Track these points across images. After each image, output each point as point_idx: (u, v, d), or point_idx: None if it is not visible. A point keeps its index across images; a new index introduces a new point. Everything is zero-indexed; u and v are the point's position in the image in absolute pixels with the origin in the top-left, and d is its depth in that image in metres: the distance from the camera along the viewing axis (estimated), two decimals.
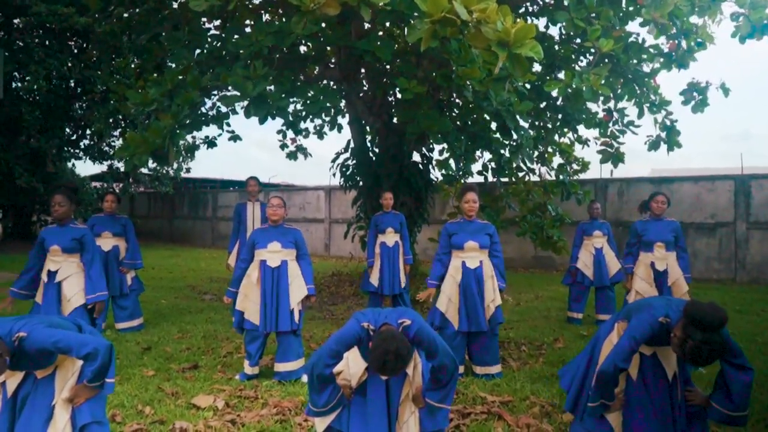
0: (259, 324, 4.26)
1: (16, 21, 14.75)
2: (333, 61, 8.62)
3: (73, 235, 4.43)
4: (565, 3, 6.49)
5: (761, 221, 10.23)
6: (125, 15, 7.87)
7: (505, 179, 9.37)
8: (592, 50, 6.05)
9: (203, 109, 7.84)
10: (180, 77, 5.98)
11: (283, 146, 11.29)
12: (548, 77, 8.19)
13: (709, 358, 2.18)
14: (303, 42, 7.62)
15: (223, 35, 6.94)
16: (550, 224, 9.43)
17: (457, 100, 8.75)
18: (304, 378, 4.22)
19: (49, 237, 4.42)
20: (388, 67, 8.39)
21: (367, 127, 9.29)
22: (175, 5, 7.39)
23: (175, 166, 20.13)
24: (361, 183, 9.26)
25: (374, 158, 9.14)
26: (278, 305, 4.25)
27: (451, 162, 8.96)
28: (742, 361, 2.37)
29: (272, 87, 6.41)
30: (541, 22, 8.44)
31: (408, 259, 6.56)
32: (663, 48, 6.90)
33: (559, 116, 8.75)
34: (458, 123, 8.26)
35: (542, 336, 5.86)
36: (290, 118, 9.52)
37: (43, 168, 15.55)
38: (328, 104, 8.40)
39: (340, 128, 10.89)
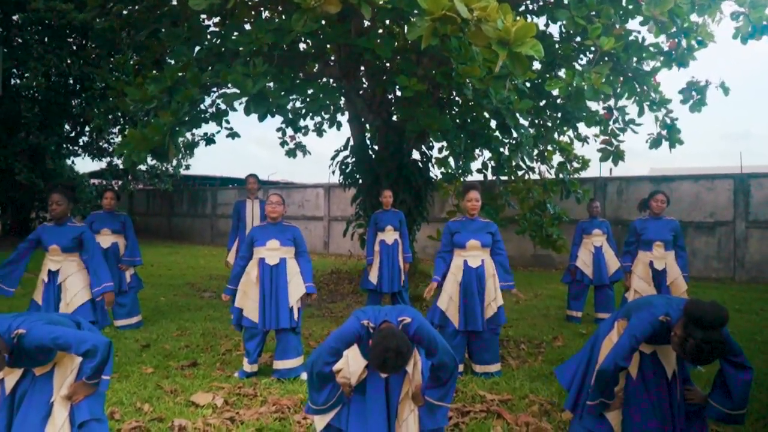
0: (258, 322, 4.26)
1: (14, 17, 14.72)
2: (333, 58, 8.60)
3: (73, 234, 4.37)
4: (566, 1, 6.48)
5: (760, 220, 10.24)
6: (124, 12, 7.85)
7: (505, 177, 9.37)
8: (593, 48, 6.04)
9: (203, 107, 7.83)
10: (179, 74, 5.97)
11: (283, 143, 11.29)
12: (548, 75, 8.19)
13: (709, 357, 2.18)
14: (303, 39, 7.59)
15: (223, 32, 6.92)
16: (549, 222, 9.44)
17: (456, 98, 8.74)
18: (303, 376, 4.22)
19: (48, 236, 4.34)
20: (387, 64, 8.38)
21: (367, 125, 9.28)
22: (174, 2, 7.38)
23: (175, 163, 20.12)
24: (360, 181, 9.25)
25: (374, 156, 9.13)
26: (277, 303, 4.25)
27: (451, 160, 8.96)
28: (741, 360, 2.37)
29: (272, 84, 6.40)
30: (541, 21, 8.43)
31: (407, 257, 6.56)
32: (663, 47, 6.90)
33: (559, 114, 8.75)
34: (458, 121, 8.26)
35: (541, 334, 5.86)
36: (290, 116, 9.53)
37: (42, 164, 15.53)
38: (327, 102, 8.41)
39: (339, 126, 10.88)
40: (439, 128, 6.80)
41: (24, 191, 15.35)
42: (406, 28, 6.16)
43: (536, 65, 7.95)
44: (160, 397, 3.80)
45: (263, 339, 4.39)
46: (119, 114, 15.31)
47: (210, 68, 6.45)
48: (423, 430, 2.53)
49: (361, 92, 8.75)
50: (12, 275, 4.29)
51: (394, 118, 8.79)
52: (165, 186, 19.37)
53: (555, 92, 7.08)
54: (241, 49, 5.73)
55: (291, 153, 11.40)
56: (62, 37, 14.78)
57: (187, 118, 5.77)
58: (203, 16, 7.34)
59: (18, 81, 15.05)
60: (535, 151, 9.30)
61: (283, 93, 6.18)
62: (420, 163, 9.17)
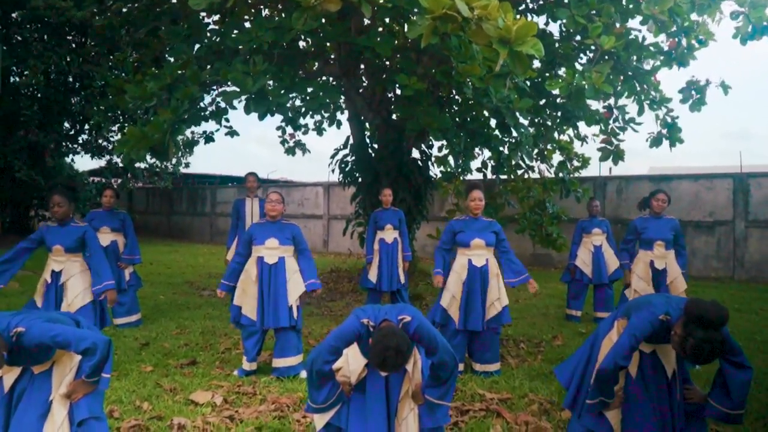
0: (257, 320, 4.25)
1: (14, 15, 14.69)
2: (333, 57, 8.59)
3: (76, 234, 4.34)
4: (566, 0, 6.47)
5: (760, 219, 10.24)
6: (123, 9, 7.83)
7: (504, 176, 9.36)
8: (593, 47, 6.03)
9: (202, 105, 7.82)
10: (179, 72, 5.95)
11: (284, 142, 11.28)
12: (548, 74, 8.18)
13: (709, 356, 2.18)
14: (303, 38, 7.58)
15: (223, 30, 6.91)
16: (549, 221, 9.44)
17: (456, 97, 8.73)
18: (303, 374, 4.22)
19: (51, 237, 4.31)
20: (387, 63, 8.37)
21: (367, 124, 9.26)
22: (174, 0, 7.36)
23: (174, 161, 20.10)
24: (360, 179, 9.24)
25: (373, 155, 9.13)
26: (276, 302, 4.24)
27: (450, 159, 8.97)
28: (741, 360, 2.37)
29: (271, 83, 6.38)
30: (541, 19, 8.42)
31: (407, 256, 6.55)
32: (663, 46, 6.89)
33: (559, 113, 8.74)
34: (458, 120, 8.25)
35: (541, 333, 5.86)
36: (289, 114, 9.52)
37: (41, 162, 15.52)
38: (327, 100, 8.39)
39: (339, 124, 10.87)
40: (438, 127, 6.79)
41: (23, 189, 15.33)
42: (406, 26, 6.15)
43: (536, 64, 7.94)
44: (160, 395, 3.80)
45: (262, 337, 4.39)
46: (119, 112, 15.29)
47: (210, 66, 6.44)
48: (423, 428, 2.53)
49: (360, 91, 8.74)
50: (5, 273, 4.18)
51: (394, 116, 8.77)
52: (164, 184, 19.36)
53: (555, 91, 7.08)
54: (240, 47, 5.72)
55: (290, 151, 11.38)
56: (62, 34, 14.76)
57: (186, 116, 5.76)
58: (203, 14, 7.33)
59: (17, 79, 15.03)
60: (535, 150, 9.30)
61: (282, 91, 6.16)
62: (420, 162, 9.16)
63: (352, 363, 2.55)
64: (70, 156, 17.70)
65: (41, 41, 14.38)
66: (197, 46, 6.82)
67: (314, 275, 4.40)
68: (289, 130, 10.82)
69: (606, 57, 6.17)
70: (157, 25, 7.36)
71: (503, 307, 4.37)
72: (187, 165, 21.36)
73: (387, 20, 7.95)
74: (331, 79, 8.90)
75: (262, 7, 7.98)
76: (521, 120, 7.40)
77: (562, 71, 7.23)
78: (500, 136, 8.03)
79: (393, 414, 2.53)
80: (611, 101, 8.11)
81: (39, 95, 14.89)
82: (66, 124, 16.83)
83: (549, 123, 9.15)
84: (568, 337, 5.73)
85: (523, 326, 6.19)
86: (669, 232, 5.11)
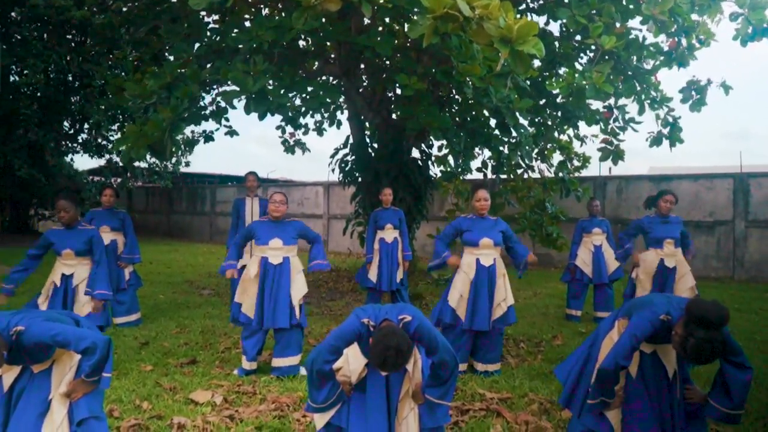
0: (254, 319, 4.25)
1: (13, 14, 14.68)
2: (333, 56, 8.59)
3: (85, 237, 4.32)
4: (566, 0, 6.47)
5: (760, 219, 10.24)
6: (123, 8, 7.83)
7: (505, 176, 9.36)
8: (593, 47, 6.03)
9: (202, 104, 7.82)
10: (179, 70, 5.95)
11: (284, 142, 11.28)
12: (548, 74, 8.18)
13: (710, 356, 2.17)
14: (303, 37, 7.58)
15: (223, 29, 6.90)
16: (549, 221, 9.44)
17: (456, 97, 8.74)
18: (303, 371, 4.21)
19: (60, 241, 4.29)
20: (388, 62, 8.37)
21: (367, 123, 9.27)
22: None
23: (174, 160, 20.10)
24: (360, 179, 9.24)
25: (373, 154, 9.13)
26: (276, 302, 4.24)
27: (450, 158, 8.96)
28: (741, 360, 2.36)
29: (272, 82, 6.38)
30: (542, 19, 8.42)
31: (407, 256, 6.54)
32: (663, 46, 6.89)
33: (559, 113, 8.74)
34: (458, 119, 8.26)
35: (541, 333, 5.86)
36: (290, 114, 9.52)
37: (41, 161, 15.52)
38: (327, 100, 8.38)
39: (339, 124, 10.87)
40: (438, 127, 6.79)
41: (23, 188, 15.33)
42: (406, 26, 6.14)
43: (536, 63, 7.95)
44: (159, 394, 3.80)
45: (262, 337, 4.38)
46: (119, 111, 15.31)
47: (210, 65, 6.44)
48: (423, 428, 2.52)
49: (361, 90, 8.74)
50: (19, 279, 4.24)
51: (394, 116, 8.78)
52: (164, 183, 19.34)
53: (555, 91, 7.08)
54: (240, 46, 5.72)
55: (290, 149, 11.39)
56: (61, 33, 14.76)
57: (186, 115, 5.76)
58: (203, 13, 7.32)
59: (17, 78, 15.03)
60: (535, 150, 9.30)
61: (282, 91, 6.16)
62: (420, 162, 9.16)
63: (352, 362, 2.55)
64: (70, 155, 17.72)
65: (41, 40, 14.38)
66: (197, 45, 6.82)
67: (323, 256, 4.49)
68: (289, 129, 10.83)
69: (606, 57, 6.17)
70: (157, 24, 7.36)
71: (509, 307, 4.37)
72: (187, 164, 21.38)
73: (387, 20, 7.95)
74: (331, 78, 8.90)
75: (262, 6, 7.98)
76: (521, 120, 7.40)
77: (562, 71, 7.24)
78: (500, 136, 8.03)
79: (393, 413, 2.53)
80: (611, 101, 8.11)
81: (39, 94, 14.89)
82: (66, 123, 16.84)
83: (549, 123, 9.16)
84: (568, 336, 5.73)
85: (523, 326, 6.19)
86: (676, 230, 5.22)
